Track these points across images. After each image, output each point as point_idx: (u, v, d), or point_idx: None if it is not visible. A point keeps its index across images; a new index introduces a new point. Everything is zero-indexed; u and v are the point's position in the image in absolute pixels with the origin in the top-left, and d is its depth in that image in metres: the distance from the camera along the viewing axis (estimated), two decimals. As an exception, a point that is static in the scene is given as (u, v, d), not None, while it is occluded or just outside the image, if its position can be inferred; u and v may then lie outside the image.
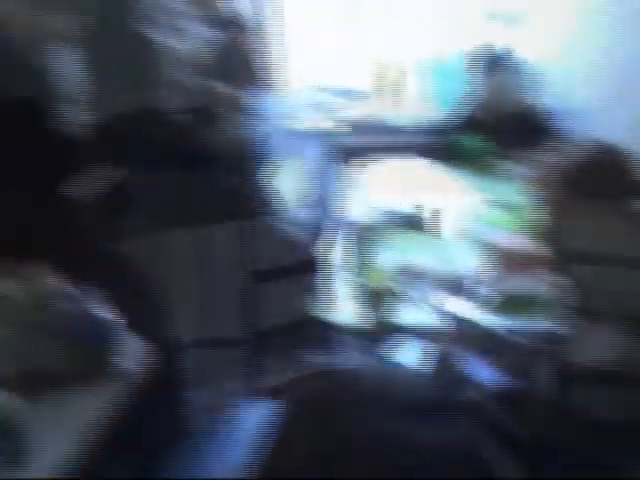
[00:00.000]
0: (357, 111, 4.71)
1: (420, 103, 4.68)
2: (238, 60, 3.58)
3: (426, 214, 2.79)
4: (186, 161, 2.65)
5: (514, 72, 3.69)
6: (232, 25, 3.57)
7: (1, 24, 1.70)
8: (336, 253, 2.61)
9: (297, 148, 4.59)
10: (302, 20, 4.75)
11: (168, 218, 2.65)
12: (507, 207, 2.97)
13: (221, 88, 2.34)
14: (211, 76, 3.32)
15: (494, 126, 3.75)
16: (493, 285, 2.27)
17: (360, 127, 4.59)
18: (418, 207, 2.82)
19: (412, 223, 2.81)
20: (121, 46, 2.85)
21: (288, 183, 3.50)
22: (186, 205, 2.73)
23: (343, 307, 2.25)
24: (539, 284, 2.25)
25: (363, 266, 2.44)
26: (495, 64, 3.67)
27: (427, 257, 2.45)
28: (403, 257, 2.45)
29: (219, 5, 3.53)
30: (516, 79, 3.69)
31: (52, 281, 1.45)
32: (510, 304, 2.19)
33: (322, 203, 3.67)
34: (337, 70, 4.96)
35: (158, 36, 2.91)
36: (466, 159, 3.61)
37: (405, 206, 2.89)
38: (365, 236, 2.50)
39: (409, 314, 2.20)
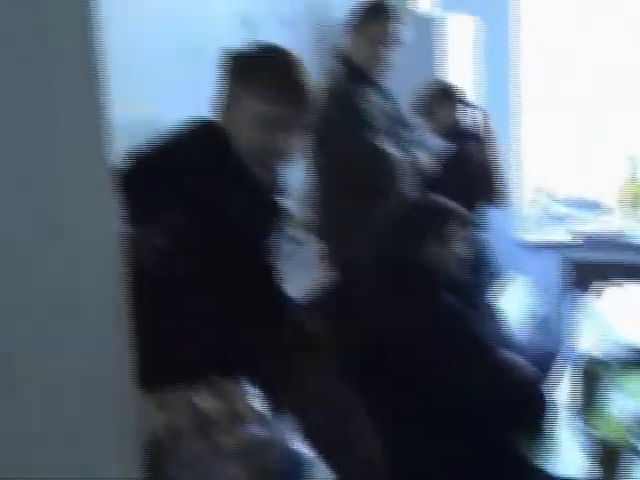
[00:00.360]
0: (597, 225, 4.42)
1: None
2: (470, 172, 3.50)
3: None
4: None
5: None
6: (465, 136, 3.51)
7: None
8: (562, 391, 2.36)
9: (529, 263, 4.37)
10: (543, 130, 4.61)
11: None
12: None
13: (449, 203, 2.24)
14: (440, 189, 3.26)
15: None
16: None
17: (599, 242, 4.30)
18: None
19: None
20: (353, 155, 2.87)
21: (516, 302, 3.30)
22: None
23: (567, 459, 1.99)
24: None
25: (592, 411, 2.17)
26: None
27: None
28: (633, 401, 2.15)
29: (453, 116, 3.49)
30: None
31: (247, 400, 1.39)
32: None
33: (552, 328, 3.42)
34: (577, 181, 4.73)
35: (389, 146, 2.91)
36: None
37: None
38: (598, 374, 2.23)
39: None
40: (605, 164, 4.64)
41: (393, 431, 2.09)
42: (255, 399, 1.42)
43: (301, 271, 2.81)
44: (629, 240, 4.24)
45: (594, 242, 4.31)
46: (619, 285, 3.42)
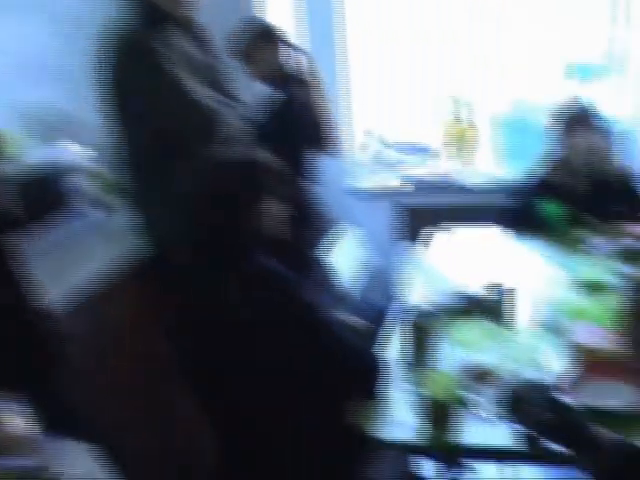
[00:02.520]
0: (426, 169, 4.42)
1: (493, 161, 4.36)
2: (298, 120, 3.33)
3: (499, 297, 2.43)
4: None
5: (599, 129, 3.30)
6: (290, 81, 3.33)
7: None
8: (393, 349, 2.28)
9: (361, 212, 4.30)
10: (369, 74, 4.51)
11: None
12: (593, 290, 2.59)
13: (268, 157, 2.04)
14: (265, 139, 3.08)
15: (578, 191, 3.37)
16: (577, 396, 1.90)
17: (428, 186, 4.29)
18: (490, 288, 2.46)
19: (484, 309, 2.46)
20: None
21: (348, 255, 3.20)
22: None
23: (398, 421, 1.90)
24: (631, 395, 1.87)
25: (422, 367, 2.09)
26: (578, 120, 3.29)
27: (500, 355, 2.09)
28: (471, 354, 2.10)
29: (275, 60, 3.29)
30: (602, 137, 3.31)
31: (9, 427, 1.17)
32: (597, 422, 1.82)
33: (385, 281, 3.36)
34: (405, 126, 4.70)
35: (202, 95, 2.67)
36: (546, 229, 3.23)
37: (475, 286, 2.54)
38: (427, 328, 2.16)
39: (480, 431, 1.84)
40: (431, 106, 4.64)
41: (223, 412, 1.94)
42: (21, 422, 1.19)
43: (111, 243, 2.56)
44: (457, 182, 4.26)
45: (424, 187, 4.31)
46: (449, 230, 3.41)
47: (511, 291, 2.46)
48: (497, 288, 2.48)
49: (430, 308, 2.40)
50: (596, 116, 3.34)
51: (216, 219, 1.89)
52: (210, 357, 1.95)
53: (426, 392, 1.86)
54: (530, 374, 1.96)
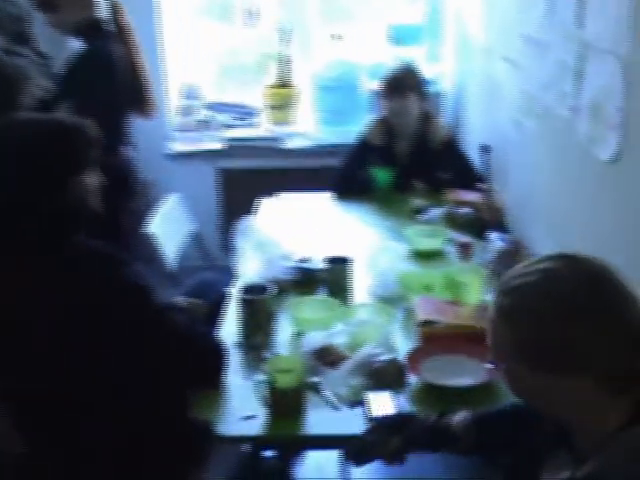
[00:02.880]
0: (248, 131, 4.25)
1: (316, 123, 4.26)
2: (111, 78, 3.02)
3: (335, 269, 2.33)
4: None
5: (420, 92, 3.28)
6: (100, 35, 3.01)
7: None
8: (228, 329, 2.12)
9: (181, 175, 4.07)
10: (187, 32, 4.25)
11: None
12: (428, 259, 2.57)
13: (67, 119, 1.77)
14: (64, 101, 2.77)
15: (403, 156, 3.35)
16: (420, 372, 1.84)
17: (251, 149, 4.13)
18: (325, 259, 2.36)
19: (320, 281, 2.35)
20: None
21: (171, 222, 2.97)
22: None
23: (239, 409, 1.75)
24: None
25: (259, 348, 1.95)
26: (399, 83, 3.25)
27: (342, 332, 1.99)
28: (312, 333, 1.98)
29: (80, 10, 2.95)
30: (423, 100, 3.29)
31: None
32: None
33: (211, 249, 3.16)
34: (226, 86, 4.49)
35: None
36: (375, 194, 3.18)
37: (309, 257, 2.43)
38: (259, 302, 2.02)
39: (327, 418, 1.73)
40: (252, 67, 4.47)
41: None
42: None
43: None
44: (280, 145, 4.13)
45: (247, 149, 4.13)
46: (277, 195, 3.27)
47: (347, 262, 2.37)
48: (332, 259, 2.38)
49: (263, 282, 2.25)
50: (417, 79, 3.32)
51: (24, 196, 1.62)
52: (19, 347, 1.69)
53: (267, 377, 1.72)
54: (374, 351, 1.88)
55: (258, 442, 1.75)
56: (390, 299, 2.26)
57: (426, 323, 1.97)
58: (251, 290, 2.13)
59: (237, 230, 2.36)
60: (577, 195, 2.10)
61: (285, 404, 1.72)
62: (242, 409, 1.75)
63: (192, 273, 2.68)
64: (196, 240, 3.18)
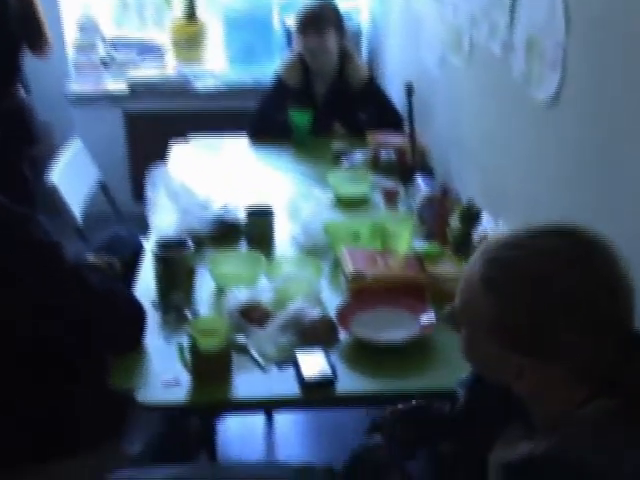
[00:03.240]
0: (154, 71, 3.99)
1: (224, 62, 4.05)
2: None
3: (256, 219, 2.20)
4: None
5: (337, 29, 3.13)
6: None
7: None
8: (140, 283, 1.97)
9: (78, 118, 3.80)
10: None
11: None
12: (352, 206, 2.46)
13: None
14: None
15: (321, 97, 3.20)
16: (351, 328, 1.75)
17: (156, 89, 3.89)
18: (246, 208, 2.22)
19: (240, 232, 2.21)
20: None
21: (70, 168, 2.75)
22: None
23: (160, 375, 1.61)
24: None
25: (178, 308, 1.81)
26: (314, 19, 3.08)
27: (268, 287, 1.86)
28: (236, 289, 1.85)
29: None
30: (340, 38, 3.13)
31: None
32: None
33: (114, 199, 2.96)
34: (130, 22, 4.20)
35: None
36: (294, 137, 3.03)
37: (220, 205, 2.28)
38: (176, 258, 1.87)
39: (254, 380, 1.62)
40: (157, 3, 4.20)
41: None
42: None
43: None
44: (187, 84, 3.90)
45: (152, 89, 3.89)
46: (188, 139, 3.09)
47: (268, 213, 2.23)
48: (253, 210, 2.24)
49: (179, 237, 2.10)
50: (335, 13, 3.15)
51: None
52: None
53: (189, 341, 1.58)
54: (302, 307, 1.76)
55: (182, 410, 1.62)
56: (315, 250, 2.14)
57: (355, 276, 1.86)
58: (167, 246, 1.97)
59: (147, 179, 2.18)
60: (511, 138, 2.01)
61: (209, 368, 1.59)
62: (163, 374, 1.61)
63: (101, 227, 2.48)
64: (103, 190, 2.96)
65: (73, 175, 2.74)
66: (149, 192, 2.14)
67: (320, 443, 2.58)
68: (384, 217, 2.20)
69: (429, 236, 2.16)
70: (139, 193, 2.34)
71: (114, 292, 1.66)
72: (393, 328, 1.75)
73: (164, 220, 2.15)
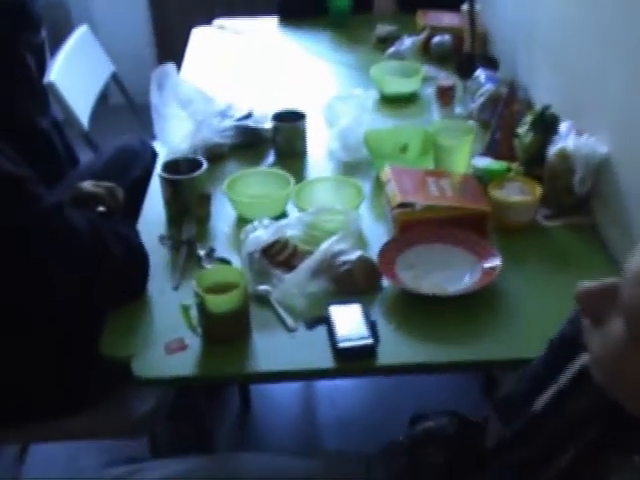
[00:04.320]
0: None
1: None
2: None
3: (276, 125, 1.86)
4: None
5: None
6: None
7: None
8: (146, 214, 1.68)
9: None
10: None
11: None
12: (392, 103, 2.07)
13: None
14: None
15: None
16: (396, 273, 1.43)
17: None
18: (275, 115, 1.88)
19: (256, 140, 1.89)
20: None
21: (73, 60, 2.40)
22: None
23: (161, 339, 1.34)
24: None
25: (183, 234, 1.53)
26: None
27: (296, 220, 1.54)
28: (245, 215, 1.54)
29: None
30: None
31: None
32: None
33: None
34: None
35: None
36: (327, 16, 2.62)
37: (242, 111, 1.94)
38: (181, 182, 1.57)
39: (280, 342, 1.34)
40: None
41: None
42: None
43: None
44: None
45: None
46: (212, 24, 2.70)
47: (300, 118, 1.88)
48: (282, 114, 1.89)
49: (192, 154, 1.77)
50: None
51: None
52: None
53: (196, 299, 1.28)
54: (337, 246, 1.44)
55: (190, 383, 1.34)
56: (357, 166, 1.80)
57: (401, 205, 1.52)
58: (176, 165, 1.66)
59: (152, 80, 1.82)
60: (611, 27, 1.54)
61: (222, 332, 1.30)
62: (168, 335, 1.32)
63: (115, 129, 2.15)
64: (119, 86, 2.61)
65: (79, 70, 2.39)
66: (154, 97, 1.79)
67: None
68: (438, 125, 1.81)
69: (491, 147, 1.79)
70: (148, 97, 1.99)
71: (104, 234, 1.35)
72: (447, 272, 1.43)
73: (174, 132, 1.81)
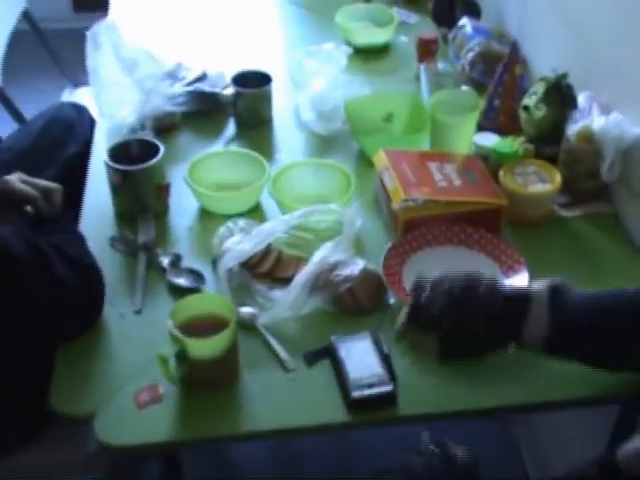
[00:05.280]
0: None
1: None
2: None
3: (238, 90, 1.58)
4: None
5: None
6: None
7: None
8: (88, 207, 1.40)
9: None
10: None
11: None
12: (365, 56, 1.80)
13: None
14: None
15: None
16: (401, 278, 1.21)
17: None
18: (215, 74, 1.60)
19: (215, 108, 1.61)
20: None
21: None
22: None
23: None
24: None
25: (138, 237, 1.27)
26: None
27: (281, 221, 1.28)
28: (212, 209, 1.29)
29: None
30: None
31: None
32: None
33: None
34: None
35: None
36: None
37: (194, 72, 1.65)
38: (133, 173, 1.30)
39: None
40: None
41: None
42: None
43: None
44: None
45: None
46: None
47: (266, 81, 1.59)
48: (242, 76, 1.60)
49: (142, 124, 1.48)
50: None
51: None
52: None
53: (173, 344, 1.03)
54: (333, 256, 1.20)
55: (170, 449, 1.10)
56: (332, 139, 1.54)
57: (406, 202, 1.28)
58: (126, 148, 1.36)
59: (87, 37, 1.49)
60: None
61: (207, 380, 1.06)
62: (136, 380, 1.07)
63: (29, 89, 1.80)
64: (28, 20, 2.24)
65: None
66: (90, 59, 1.46)
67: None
68: (436, 97, 1.52)
69: (489, 116, 1.55)
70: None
71: (50, 259, 1.06)
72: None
73: (116, 102, 1.49)
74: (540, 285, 0.97)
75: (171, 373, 1.02)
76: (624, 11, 1.30)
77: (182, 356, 1.01)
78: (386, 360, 1.08)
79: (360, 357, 1.08)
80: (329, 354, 1.10)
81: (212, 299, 1.10)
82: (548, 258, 1.29)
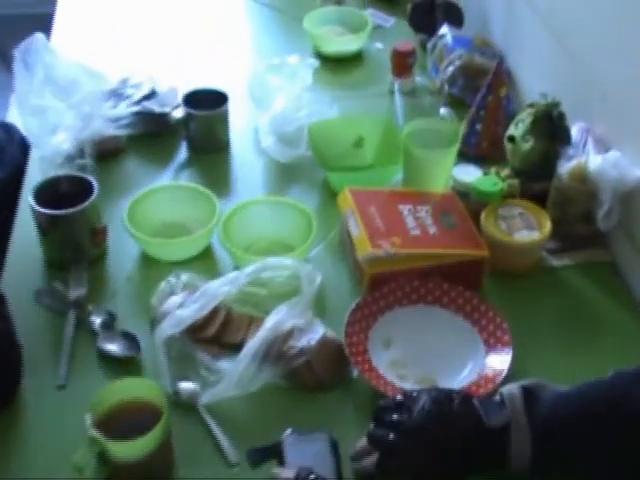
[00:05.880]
0: None
1: None
2: None
3: (191, 112, 1.41)
4: None
5: None
6: None
7: None
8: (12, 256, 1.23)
9: None
10: None
11: None
12: (333, 68, 1.63)
13: None
14: None
15: None
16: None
17: None
18: (165, 90, 1.43)
19: (164, 130, 1.43)
20: None
21: None
22: None
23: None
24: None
25: (69, 291, 1.11)
26: None
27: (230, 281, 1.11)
28: (156, 256, 1.13)
29: None
30: None
31: None
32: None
33: None
34: None
35: None
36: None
37: (143, 88, 1.47)
38: (65, 218, 1.13)
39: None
40: None
41: None
42: None
43: None
44: None
45: None
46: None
47: (222, 100, 1.42)
48: (195, 94, 1.42)
49: (79, 150, 1.31)
50: None
51: None
52: None
53: (98, 442, 0.86)
54: (288, 322, 1.03)
55: None
56: (295, 166, 1.37)
57: (371, 257, 1.12)
58: (55, 186, 1.19)
59: (19, 57, 1.30)
60: None
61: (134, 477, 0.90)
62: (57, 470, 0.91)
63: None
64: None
65: None
66: (19, 81, 1.27)
67: None
68: (410, 126, 1.32)
69: (469, 141, 1.39)
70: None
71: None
72: (439, 354, 1.06)
73: (50, 128, 1.31)
74: (515, 399, 0.84)
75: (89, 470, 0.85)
76: (623, 26, 1.13)
77: (103, 458, 0.85)
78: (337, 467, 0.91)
79: (311, 463, 0.91)
80: (277, 455, 0.93)
81: (141, 385, 0.93)
82: (536, 315, 1.13)
